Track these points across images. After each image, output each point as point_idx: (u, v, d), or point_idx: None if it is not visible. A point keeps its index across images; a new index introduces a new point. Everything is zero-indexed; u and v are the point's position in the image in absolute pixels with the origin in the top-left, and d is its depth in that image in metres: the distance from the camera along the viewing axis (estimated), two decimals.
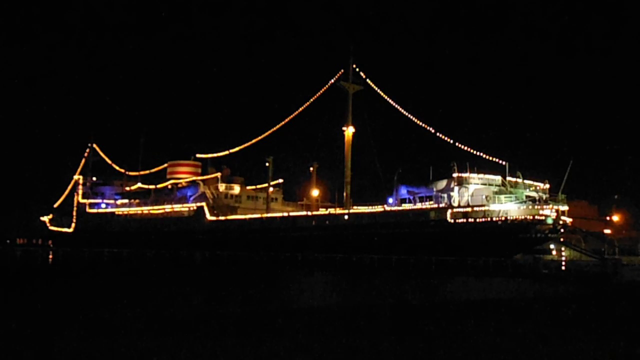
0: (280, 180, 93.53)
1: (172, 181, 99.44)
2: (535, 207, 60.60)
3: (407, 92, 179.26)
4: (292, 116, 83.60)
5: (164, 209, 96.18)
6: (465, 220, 61.97)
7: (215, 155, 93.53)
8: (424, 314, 22.89)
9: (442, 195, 65.49)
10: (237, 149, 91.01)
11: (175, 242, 78.82)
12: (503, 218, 60.27)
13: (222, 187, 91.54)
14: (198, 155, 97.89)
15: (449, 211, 62.93)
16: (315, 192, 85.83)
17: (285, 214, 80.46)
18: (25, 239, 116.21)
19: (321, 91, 79.68)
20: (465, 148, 69.15)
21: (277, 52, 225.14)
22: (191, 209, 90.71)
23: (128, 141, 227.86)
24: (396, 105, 74.94)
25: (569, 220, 63.00)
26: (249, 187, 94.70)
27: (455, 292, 35.20)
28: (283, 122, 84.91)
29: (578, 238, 69.57)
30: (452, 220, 62.41)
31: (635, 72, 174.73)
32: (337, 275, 48.29)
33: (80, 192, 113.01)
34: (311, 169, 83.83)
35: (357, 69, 77.94)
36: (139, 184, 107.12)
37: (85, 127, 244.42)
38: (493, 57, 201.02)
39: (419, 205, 67.27)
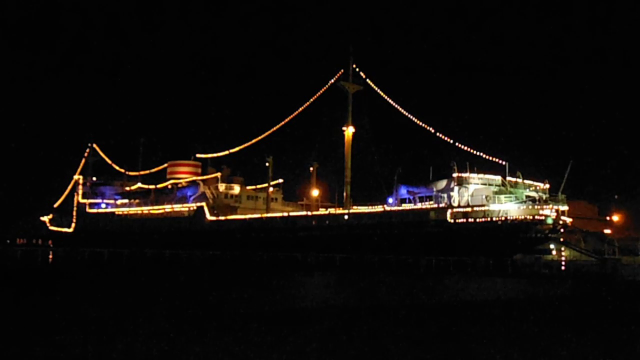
0: (280, 180, 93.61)
1: (172, 181, 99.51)
2: (535, 207, 60.62)
3: (407, 92, 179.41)
4: (292, 116, 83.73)
5: (164, 209, 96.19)
6: (465, 220, 61.98)
7: (215, 155, 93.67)
8: (424, 315, 22.89)
9: (442, 195, 65.51)
10: (237, 149, 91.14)
11: (175, 242, 78.80)
12: (503, 218, 60.27)
13: (222, 187, 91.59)
14: (198, 155, 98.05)
15: (449, 211, 62.93)
16: (315, 192, 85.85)
17: (285, 214, 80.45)
18: (25, 239, 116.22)
19: (321, 91, 79.79)
20: (465, 148, 69.26)
21: (277, 52, 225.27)
22: (191, 209, 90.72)
23: (128, 141, 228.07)
24: (396, 105, 75.05)
25: (569, 220, 63.00)
26: (249, 187, 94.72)
27: (456, 292, 35.20)
28: (283, 122, 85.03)
29: (578, 238, 69.54)
30: (452, 220, 62.41)
31: (635, 71, 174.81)
32: (337, 275, 48.27)
33: (80, 192, 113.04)
34: (311, 169, 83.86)
35: (357, 69, 78.03)
36: (139, 184, 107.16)
37: (85, 127, 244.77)
38: (493, 57, 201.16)
39: (419, 205, 67.28)
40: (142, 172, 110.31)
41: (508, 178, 64.64)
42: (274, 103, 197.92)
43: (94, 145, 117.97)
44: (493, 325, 19.60)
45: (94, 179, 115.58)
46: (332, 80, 78.19)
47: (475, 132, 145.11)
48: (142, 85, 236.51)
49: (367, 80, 77.19)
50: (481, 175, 64.71)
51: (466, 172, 64.16)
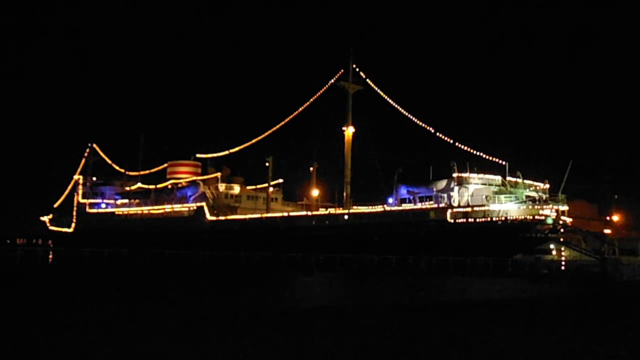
0: (280, 180, 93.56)
1: (172, 181, 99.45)
2: (535, 207, 60.58)
3: (407, 92, 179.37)
4: (292, 116, 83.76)
5: (164, 209, 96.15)
6: (465, 220, 61.95)
7: (215, 155, 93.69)
8: (423, 315, 22.88)
9: (442, 195, 65.48)
10: (237, 149, 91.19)
11: (175, 242, 78.73)
12: (503, 218, 60.24)
13: (222, 187, 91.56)
14: (198, 155, 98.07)
15: (449, 211, 62.90)
16: (315, 192, 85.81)
17: (285, 214, 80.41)
18: (25, 239, 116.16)
19: (321, 91, 79.80)
20: (465, 148, 69.26)
21: (278, 51, 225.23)
22: (191, 209, 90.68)
23: (128, 141, 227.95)
24: (396, 105, 75.05)
25: (569, 220, 62.99)
26: (249, 187, 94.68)
27: (455, 292, 35.19)
28: (283, 122, 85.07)
29: (578, 238, 69.54)
30: (452, 220, 62.38)
31: (635, 71, 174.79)
32: (337, 275, 48.25)
33: (80, 192, 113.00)
34: (311, 169, 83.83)
35: (357, 69, 78.04)
36: (139, 184, 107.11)
37: (85, 127, 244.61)
38: (493, 56, 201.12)
39: (419, 205, 67.25)
40: (142, 172, 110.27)
41: (508, 178, 64.61)
42: (274, 103, 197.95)
43: (94, 145, 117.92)
44: (490, 326, 19.59)
45: (94, 179, 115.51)
46: (332, 80, 78.23)
47: (475, 132, 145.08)
48: (142, 85, 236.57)
49: (367, 80, 77.27)
50: (481, 175, 64.68)
51: (466, 172, 64.13)
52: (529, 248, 61.41)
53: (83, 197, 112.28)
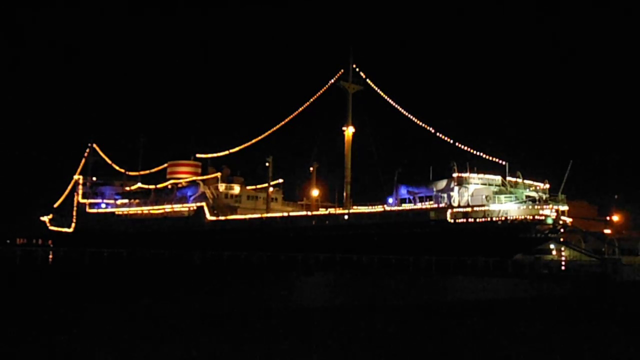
0: (280, 180, 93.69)
1: (172, 181, 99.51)
2: (535, 207, 60.61)
3: (407, 92, 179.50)
4: (292, 116, 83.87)
5: (164, 209, 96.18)
6: (465, 220, 61.96)
7: (215, 155, 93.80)
8: (423, 315, 22.88)
9: (442, 195, 65.50)
10: (237, 149, 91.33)
11: (175, 242, 78.79)
12: (503, 218, 60.26)
13: (222, 187, 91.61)
14: (198, 155, 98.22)
15: (449, 211, 62.90)
16: (315, 192, 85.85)
17: (285, 214, 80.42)
18: (25, 239, 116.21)
19: (321, 91, 79.91)
20: (465, 148, 69.31)
21: (277, 52, 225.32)
22: (191, 209, 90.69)
23: (128, 141, 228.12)
24: (396, 105, 75.14)
25: (569, 220, 63.03)
26: (249, 187, 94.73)
27: (455, 292, 35.18)
28: (283, 122, 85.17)
29: (578, 238, 69.58)
30: (452, 220, 62.39)
31: (635, 71, 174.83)
32: (337, 275, 48.24)
33: (80, 192, 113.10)
34: (311, 169, 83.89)
35: (357, 69, 78.11)
36: (139, 184, 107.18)
37: (85, 127, 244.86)
38: (493, 57, 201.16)
39: (419, 205, 67.27)
40: (142, 172, 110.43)
41: (508, 178, 64.65)
42: (274, 103, 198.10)
43: (94, 145, 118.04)
44: (491, 326, 19.59)
45: (94, 179, 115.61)
46: (332, 80, 78.33)
47: (475, 132, 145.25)
48: (142, 85, 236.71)
49: (367, 80, 77.36)
50: (481, 175, 64.73)
51: (466, 172, 64.17)
52: (529, 248, 61.44)
53: (83, 197, 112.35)
